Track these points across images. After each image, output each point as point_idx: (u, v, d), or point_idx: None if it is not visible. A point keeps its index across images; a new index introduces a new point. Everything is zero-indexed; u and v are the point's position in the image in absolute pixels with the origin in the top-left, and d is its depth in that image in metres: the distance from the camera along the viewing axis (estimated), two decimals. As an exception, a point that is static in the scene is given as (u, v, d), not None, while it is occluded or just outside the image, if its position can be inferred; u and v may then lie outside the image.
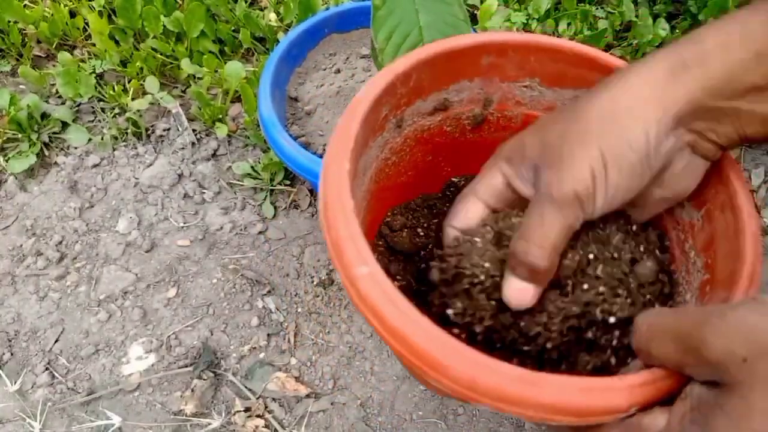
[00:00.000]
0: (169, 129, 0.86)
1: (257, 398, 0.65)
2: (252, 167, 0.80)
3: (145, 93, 0.87)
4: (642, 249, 0.34)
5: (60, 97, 0.88)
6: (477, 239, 0.32)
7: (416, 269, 0.42)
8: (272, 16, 0.92)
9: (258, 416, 0.64)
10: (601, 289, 0.31)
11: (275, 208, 0.79)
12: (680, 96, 0.28)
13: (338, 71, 0.75)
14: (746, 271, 0.28)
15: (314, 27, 0.76)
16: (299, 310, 0.71)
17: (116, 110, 0.87)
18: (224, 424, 0.64)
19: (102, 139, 0.84)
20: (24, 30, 0.92)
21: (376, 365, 0.67)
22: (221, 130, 0.83)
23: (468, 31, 0.50)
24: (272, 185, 0.79)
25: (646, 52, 0.89)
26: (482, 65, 0.38)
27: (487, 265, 0.31)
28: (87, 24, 0.91)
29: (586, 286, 0.31)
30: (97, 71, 0.90)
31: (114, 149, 0.85)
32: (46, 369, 0.67)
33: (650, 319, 0.27)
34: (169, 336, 0.69)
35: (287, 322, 0.70)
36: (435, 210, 0.44)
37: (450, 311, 0.33)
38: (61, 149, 0.85)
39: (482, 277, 0.31)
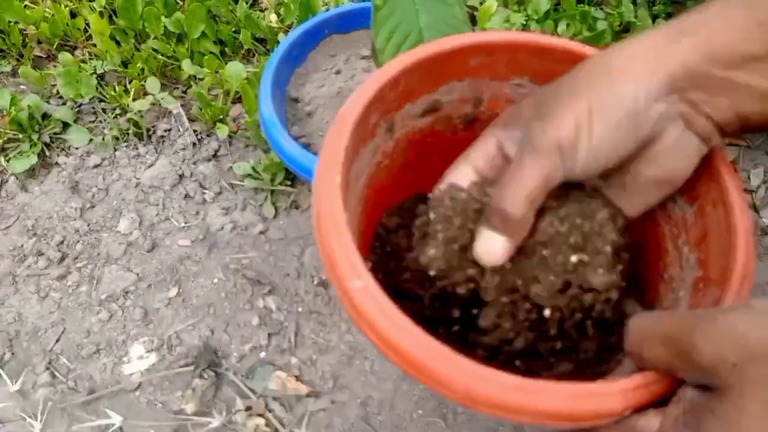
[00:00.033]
0: (170, 129, 0.86)
1: (258, 397, 0.66)
2: (253, 168, 0.80)
3: (146, 94, 0.88)
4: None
5: (61, 97, 0.89)
6: (462, 193, 0.33)
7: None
8: (273, 17, 0.92)
9: (259, 415, 0.64)
10: (575, 257, 0.31)
11: (276, 208, 0.79)
12: (676, 59, 0.28)
13: (339, 72, 0.75)
14: (738, 268, 0.28)
15: (315, 28, 0.76)
16: (300, 309, 0.71)
17: (117, 111, 0.87)
18: (225, 423, 0.64)
19: (103, 139, 0.85)
20: (25, 30, 0.92)
21: (376, 364, 0.68)
22: (222, 131, 0.83)
23: (468, 31, 0.50)
24: (273, 186, 0.79)
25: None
26: (471, 66, 0.38)
27: (460, 220, 0.32)
28: (88, 24, 0.91)
29: (561, 258, 0.31)
30: (98, 72, 0.90)
31: (115, 150, 0.85)
32: (47, 369, 0.67)
33: (641, 322, 0.27)
34: (170, 335, 0.70)
35: (288, 321, 0.70)
36: None
37: (432, 272, 0.33)
38: (62, 149, 0.85)
39: (456, 231, 0.32)
